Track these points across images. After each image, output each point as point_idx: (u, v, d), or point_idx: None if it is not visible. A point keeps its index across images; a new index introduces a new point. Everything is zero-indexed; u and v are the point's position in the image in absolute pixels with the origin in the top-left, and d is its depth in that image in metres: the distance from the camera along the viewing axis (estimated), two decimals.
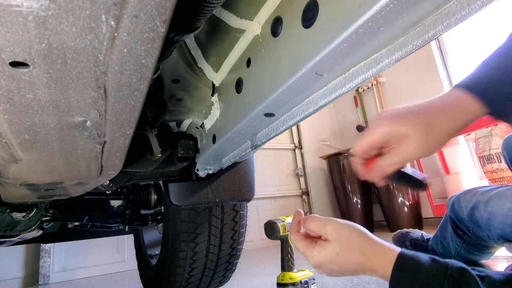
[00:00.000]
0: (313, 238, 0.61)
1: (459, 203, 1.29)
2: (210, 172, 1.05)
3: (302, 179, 4.33)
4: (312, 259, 0.59)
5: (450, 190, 3.01)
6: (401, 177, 0.55)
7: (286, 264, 1.01)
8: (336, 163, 3.87)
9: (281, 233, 1.02)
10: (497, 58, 0.48)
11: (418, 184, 0.56)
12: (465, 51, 3.39)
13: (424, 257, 0.51)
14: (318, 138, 4.62)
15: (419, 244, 1.62)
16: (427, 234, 1.64)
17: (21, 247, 2.62)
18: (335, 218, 0.59)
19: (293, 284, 0.96)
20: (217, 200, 1.09)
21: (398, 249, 0.53)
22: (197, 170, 1.06)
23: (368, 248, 0.55)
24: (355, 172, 0.58)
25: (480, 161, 2.72)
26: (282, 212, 3.97)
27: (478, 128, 2.62)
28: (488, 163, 2.62)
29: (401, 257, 0.51)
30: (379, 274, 0.55)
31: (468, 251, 1.33)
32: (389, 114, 0.51)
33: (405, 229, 1.79)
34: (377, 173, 0.54)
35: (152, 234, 1.84)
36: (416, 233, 1.69)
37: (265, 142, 0.73)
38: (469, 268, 0.47)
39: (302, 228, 0.64)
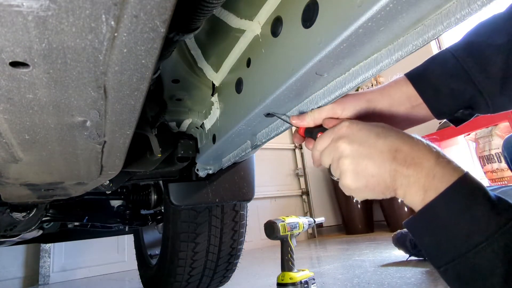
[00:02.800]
0: None
1: None
2: (210, 172, 1.05)
3: (302, 179, 4.34)
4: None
5: None
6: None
7: (286, 264, 1.01)
8: None
9: (281, 233, 1.02)
10: (443, 51, 0.52)
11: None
12: None
13: (489, 190, 0.41)
14: None
15: None
16: None
17: (21, 247, 2.62)
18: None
19: (293, 284, 0.96)
20: (217, 200, 1.09)
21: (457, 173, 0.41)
22: (197, 170, 1.06)
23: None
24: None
25: (480, 161, 2.72)
26: (282, 212, 3.97)
27: (478, 128, 2.62)
28: (488, 163, 2.62)
29: (462, 180, 0.41)
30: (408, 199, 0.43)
31: None
32: (342, 97, 0.53)
33: (405, 229, 1.79)
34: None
35: (152, 234, 1.84)
36: None
37: (265, 142, 0.73)
38: None
39: None
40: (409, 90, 0.53)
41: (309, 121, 0.56)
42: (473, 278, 0.39)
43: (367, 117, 0.54)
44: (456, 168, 0.42)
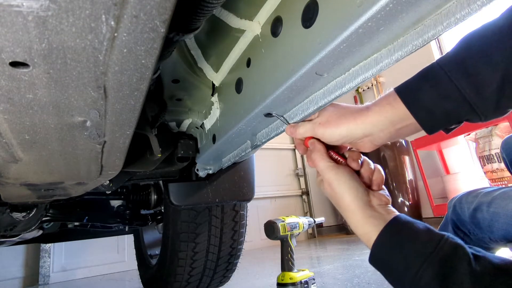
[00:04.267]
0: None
1: (461, 205, 1.29)
2: (210, 172, 1.05)
3: (302, 179, 4.34)
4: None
5: (450, 190, 3.01)
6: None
7: (286, 264, 1.01)
8: None
9: (281, 233, 1.02)
10: (434, 67, 0.51)
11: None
12: None
13: (419, 224, 0.49)
14: None
15: None
16: None
17: (21, 247, 2.63)
18: (335, 168, 0.56)
19: (293, 284, 0.96)
20: (217, 200, 1.09)
21: (392, 216, 0.51)
22: (197, 170, 1.06)
23: (352, 215, 0.54)
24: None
25: (480, 161, 2.72)
26: (282, 212, 3.97)
27: (478, 128, 2.62)
28: (488, 163, 2.62)
29: (394, 219, 0.50)
30: (363, 239, 0.53)
31: None
32: (329, 115, 0.57)
33: None
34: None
35: (152, 234, 1.84)
36: None
37: (265, 142, 0.73)
38: (466, 246, 0.45)
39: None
40: (398, 112, 0.52)
41: (301, 133, 0.59)
42: None
43: (349, 140, 0.57)
44: (389, 212, 0.52)
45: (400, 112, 0.52)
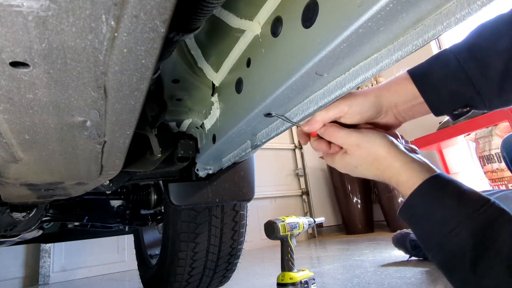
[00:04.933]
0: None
1: None
2: (210, 172, 1.05)
3: (302, 179, 4.34)
4: (332, 163, 0.60)
5: None
6: None
7: (286, 264, 1.01)
8: None
9: (281, 233, 1.02)
10: (446, 52, 0.54)
11: None
12: None
13: (465, 186, 0.47)
14: None
15: (420, 245, 1.62)
16: None
17: (21, 247, 2.63)
18: (358, 130, 0.56)
19: (293, 284, 0.96)
20: (217, 200, 1.09)
21: (427, 174, 0.49)
22: (197, 170, 1.06)
23: (390, 165, 0.52)
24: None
25: (480, 161, 2.72)
26: (282, 212, 3.97)
27: (478, 128, 2.62)
28: (488, 163, 2.62)
29: (440, 174, 0.48)
30: (400, 189, 0.52)
31: None
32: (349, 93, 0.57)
33: (406, 230, 1.78)
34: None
35: (152, 234, 1.84)
36: None
37: (265, 142, 0.73)
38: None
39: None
40: (413, 89, 0.55)
41: (320, 124, 0.59)
42: (451, 264, 0.44)
43: (372, 113, 0.58)
44: (430, 168, 0.50)
45: (411, 91, 0.55)
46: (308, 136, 0.64)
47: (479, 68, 0.48)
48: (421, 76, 0.54)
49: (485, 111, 0.53)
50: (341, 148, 0.59)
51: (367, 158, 0.54)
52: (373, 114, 0.57)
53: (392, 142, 0.53)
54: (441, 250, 0.44)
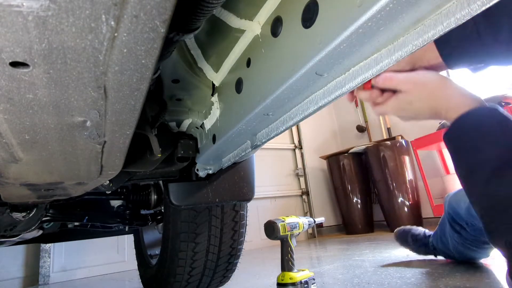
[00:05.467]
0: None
1: (457, 198, 1.31)
2: (210, 172, 1.05)
3: (302, 179, 4.34)
4: (384, 108, 0.67)
5: (450, 190, 3.01)
6: None
7: (286, 264, 1.01)
8: (336, 163, 3.87)
9: (281, 233, 1.02)
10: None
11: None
12: None
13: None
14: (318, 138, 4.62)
15: (421, 240, 1.63)
16: (429, 231, 1.64)
17: (21, 247, 2.63)
18: (413, 71, 0.65)
19: (293, 284, 0.96)
20: (217, 200, 1.09)
21: (478, 104, 0.57)
22: (197, 170, 1.06)
23: (444, 93, 0.60)
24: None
25: None
26: (282, 212, 3.97)
27: None
28: None
29: (485, 107, 0.55)
30: (451, 117, 0.59)
31: (466, 247, 1.34)
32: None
33: (408, 226, 1.79)
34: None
35: (152, 234, 1.84)
36: (418, 229, 1.70)
37: (265, 142, 0.73)
38: None
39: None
40: (434, 50, 0.64)
41: (390, 75, 0.68)
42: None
43: (416, 59, 0.68)
44: (481, 101, 0.57)
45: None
46: (351, 92, 0.72)
47: (489, 29, 0.55)
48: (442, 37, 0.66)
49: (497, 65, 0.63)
50: (394, 92, 0.67)
51: (422, 91, 0.61)
52: (417, 60, 0.66)
53: (444, 76, 0.61)
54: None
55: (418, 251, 1.68)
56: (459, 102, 0.56)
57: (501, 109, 0.54)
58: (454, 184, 2.99)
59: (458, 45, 0.59)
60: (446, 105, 0.58)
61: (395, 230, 1.83)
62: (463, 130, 0.55)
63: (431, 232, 1.60)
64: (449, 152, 0.61)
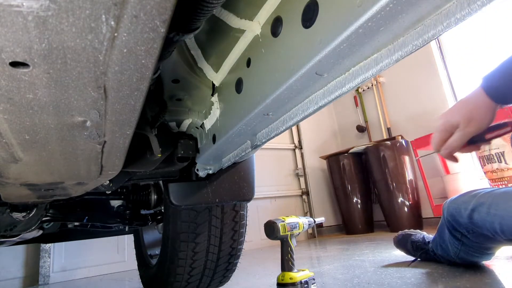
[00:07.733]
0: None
1: (456, 206, 1.29)
2: (210, 172, 1.05)
3: (302, 179, 4.34)
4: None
5: (450, 190, 3.01)
6: (486, 132, 0.82)
7: (286, 264, 1.01)
8: (336, 163, 3.87)
9: (281, 233, 1.02)
10: (507, 63, 0.81)
11: (503, 125, 0.82)
12: (464, 51, 3.39)
13: None
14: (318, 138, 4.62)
15: (421, 247, 1.62)
16: (428, 236, 1.63)
17: (21, 247, 2.62)
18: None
19: (293, 284, 0.96)
20: (217, 200, 1.09)
21: None
22: (197, 170, 1.06)
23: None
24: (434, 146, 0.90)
25: (480, 161, 2.72)
26: (282, 212, 3.97)
27: None
28: (488, 163, 2.62)
29: None
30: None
31: (468, 253, 1.33)
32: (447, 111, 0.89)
33: (407, 230, 1.78)
34: (448, 149, 0.86)
35: (152, 234, 1.84)
36: (418, 235, 1.68)
37: (265, 142, 0.73)
38: None
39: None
40: (490, 101, 0.82)
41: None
42: None
43: None
44: None
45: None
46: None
47: None
48: (501, 95, 0.81)
49: None
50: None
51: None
52: None
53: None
54: None
55: (420, 257, 1.67)
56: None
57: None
58: (454, 184, 2.99)
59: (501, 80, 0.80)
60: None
61: (394, 237, 1.82)
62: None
63: (431, 237, 1.60)
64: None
